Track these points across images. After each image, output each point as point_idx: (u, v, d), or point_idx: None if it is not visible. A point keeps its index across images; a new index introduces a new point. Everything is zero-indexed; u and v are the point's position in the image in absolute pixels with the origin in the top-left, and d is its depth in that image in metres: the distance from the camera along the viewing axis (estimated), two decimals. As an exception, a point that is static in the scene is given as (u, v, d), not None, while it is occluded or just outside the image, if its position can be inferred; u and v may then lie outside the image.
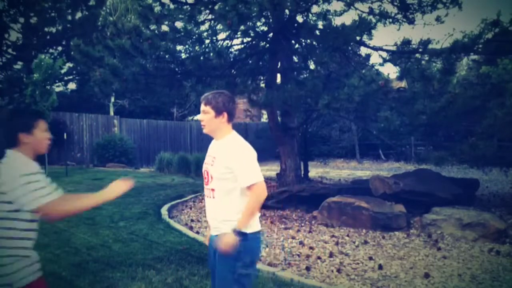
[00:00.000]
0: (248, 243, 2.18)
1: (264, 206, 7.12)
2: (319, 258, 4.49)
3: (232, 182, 2.19)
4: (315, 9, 8.42)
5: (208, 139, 2.36)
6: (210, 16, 8.04)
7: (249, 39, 8.32)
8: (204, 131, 2.31)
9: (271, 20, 7.63)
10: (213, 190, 2.25)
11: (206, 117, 2.25)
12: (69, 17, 19.05)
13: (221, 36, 8.27)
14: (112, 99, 18.46)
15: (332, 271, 4.10)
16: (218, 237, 2.20)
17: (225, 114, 2.24)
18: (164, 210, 6.81)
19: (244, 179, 2.16)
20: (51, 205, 1.84)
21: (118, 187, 2.08)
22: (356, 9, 7.80)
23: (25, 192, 1.81)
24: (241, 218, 2.17)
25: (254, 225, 2.24)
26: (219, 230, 2.23)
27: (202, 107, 2.26)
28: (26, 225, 1.92)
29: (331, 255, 4.59)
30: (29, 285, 1.91)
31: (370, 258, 4.47)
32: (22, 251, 1.93)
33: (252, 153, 2.22)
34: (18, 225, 1.89)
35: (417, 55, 7.05)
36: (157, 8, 7.75)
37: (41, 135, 2.02)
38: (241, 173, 2.16)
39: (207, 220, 2.37)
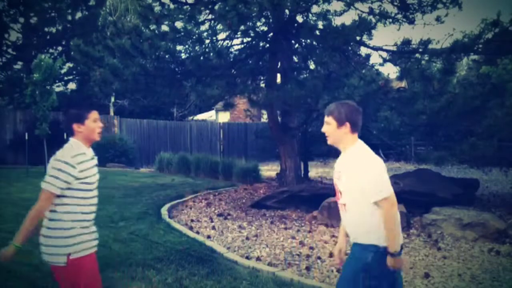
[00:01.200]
0: (377, 255, 2.11)
1: (264, 206, 7.13)
2: (319, 258, 4.49)
3: (362, 195, 2.12)
4: (315, 9, 8.42)
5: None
6: (210, 16, 8.05)
7: (249, 39, 8.32)
8: (328, 142, 2.28)
9: (271, 20, 7.63)
10: (344, 205, 2.22)
11: (328, 128, 2.23)
12: (69, 17, 19.04)
13: (221, 36, 8.28)
14: (112, 99, 18.45)
15: (332, 271, 4.10)
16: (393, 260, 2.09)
17: (348, 124, 2.19)
18: (164, 210, 6.81)
19: (371, 194, 2.09)
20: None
21: None
22: (356, 9, 7.81)
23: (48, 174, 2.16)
24: (388, 240, 2.08)
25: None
26: (357, 240, 2.20)
27: (325, 118, 2.25)
28: (81, 201, 2.23)
29: (331, 255, 4.59)
30: (84, 257, 2.19)
31: (370, 258, 4.47)
32: (82, 223, 2.22)
33: (379, 165, 2.13)
34: (71, 201, 2.20)
35: (417, 55, 7.05)
36: (157, 8, 7.76)
37: (92, 125, 2.29)
38: (368, 188, 2.09)
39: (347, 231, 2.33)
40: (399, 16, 7.70)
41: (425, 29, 55.91)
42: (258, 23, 8.00)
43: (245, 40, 8.46)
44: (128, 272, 3.85)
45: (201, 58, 6.99)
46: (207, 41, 7.69)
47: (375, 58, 41.16)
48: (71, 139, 2.31)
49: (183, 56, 7.87)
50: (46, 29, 18.54)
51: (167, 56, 7.27)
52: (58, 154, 2.22)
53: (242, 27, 6.57)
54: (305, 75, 8.52)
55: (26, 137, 11.72)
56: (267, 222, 6.26)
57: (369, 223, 2.13)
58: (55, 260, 2.15)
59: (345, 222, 2.30)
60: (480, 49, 6.60)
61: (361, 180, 2.10)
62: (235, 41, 8.44)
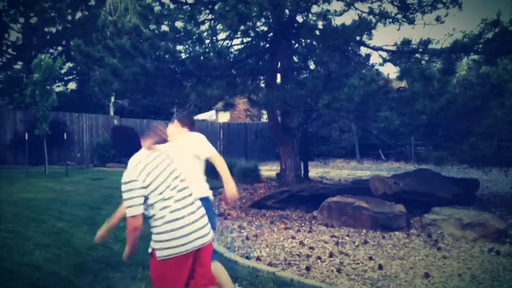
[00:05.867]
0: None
1: (264, 206, 7.13)
2: (319, 258, 4.49)
3: None
4: (315, 9, 8.43)
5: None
6: (210, 16, 8.06)
7: (249, 39, 8.33)
8: None
9: (271, 20, 7.63)
10: None
11: None
12: (69, 17, 19.06)
13: (221, 36, 8.30)
14: (112, 99, 18.47)
15: (332, 271, 4.10)
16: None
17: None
18: (164, 210, 6.80)
19: None
20: None
21: None
22: (356, 9, 7.82)
23: None
24: None
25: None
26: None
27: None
28: None
29: (331, 255, 4.59)
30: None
31: (370, 258, 4.48)
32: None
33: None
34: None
35: (417, 55, 7.06)
36: (157, 8, 7.77)
37: None
38: None
39: None
40: (399, 16, 7.71)
41: (425, 29, 55.94)
42: (258, 23, 8.00)
43: (245, 40, 8.46)
44: (128, 272, 3.85)
45: (201, 58, 6.99)
46: (207, 41, 7.71)
47: (375, 58, 41.23)
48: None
49: (183, 56, 7.89)
50: (46, 29, 18.55)
51: (167, 56, 7.27)
52: None
53: (242, 27, 6.57)
54: (305, 75, 8.53)
55: (26, 137, 11.73)
56: (267, 222, 6.26)
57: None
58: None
59: None
60: (480, 49, 6.60)
61: None
62: (235, 41, 8.45)
